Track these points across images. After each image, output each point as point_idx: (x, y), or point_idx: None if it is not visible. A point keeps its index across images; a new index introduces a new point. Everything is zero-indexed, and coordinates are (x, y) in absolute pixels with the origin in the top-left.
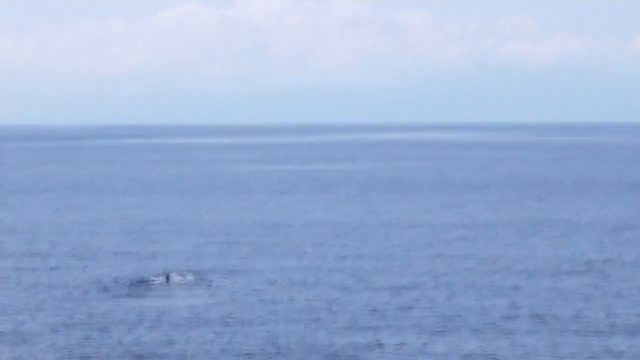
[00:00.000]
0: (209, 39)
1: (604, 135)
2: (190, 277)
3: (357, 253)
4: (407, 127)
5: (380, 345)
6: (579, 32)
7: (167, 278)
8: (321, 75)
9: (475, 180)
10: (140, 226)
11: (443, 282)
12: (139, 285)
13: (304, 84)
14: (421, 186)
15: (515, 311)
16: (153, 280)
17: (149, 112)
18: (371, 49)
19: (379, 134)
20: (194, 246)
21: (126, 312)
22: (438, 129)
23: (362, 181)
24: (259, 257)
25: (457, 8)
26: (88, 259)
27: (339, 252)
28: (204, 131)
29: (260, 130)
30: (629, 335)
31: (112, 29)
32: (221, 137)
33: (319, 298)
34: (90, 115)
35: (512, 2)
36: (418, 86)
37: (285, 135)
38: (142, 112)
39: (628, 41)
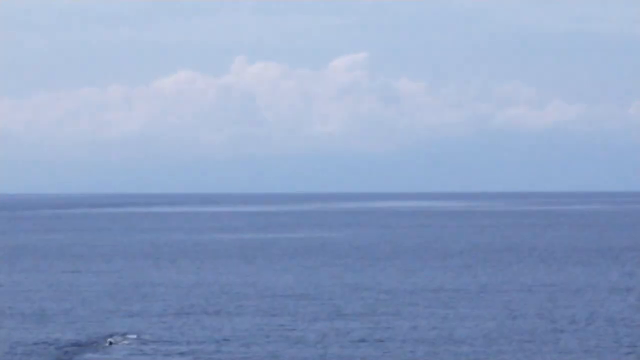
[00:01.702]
0: (205, 106)
1: (597, 204)
2: (131, 340)
3: (306, 315)
4: (404, 196)
5: None
6: (576, 98)
7: (110, 342)
8: (316, 142)
9: (438, 247)
10: (103, 291)
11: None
12: (82, 346)
13: (299, 151)
14: (389, 253)
15: None
16: (97, 343)
17: (145, 178)
18: (367, 116)
19: (374, 202)
20: (148, 311)
21: None
22: (434, 197)
23: (337, 249)
24: (210, 321)
25: (454, 75)
26: (38, 323)
27: (291, 315)
28: (196, 199)
29: (254, 199)
30: None
31: (111, 96)
32: (213, 206)
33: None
34: (88, 182)
35: (508, 69)
36: (415, 153)
37: (278, 204)
38: (139, 178)
39: (624, 107)
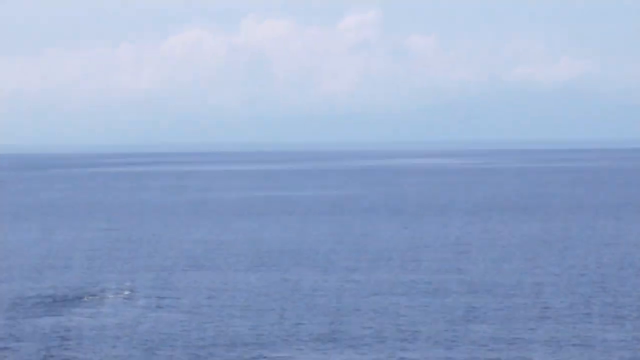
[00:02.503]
0: (215, 65)
1: (609, 160)
2: (126, 293)
3: (299, 272)
4: (412, 153)
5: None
6: (587, 53)
7: (105, 293)
8: (327, 99)
9: (442, 204)
10: (105, 246)
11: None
12: (74, 300)
13: (310, 108)
14: (388, 209)
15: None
16: (89, 295)
17: (156, 137)
18: (378, 73)
19: (383, 159)
20: (146, 267)
21: (53, 325)
22: (442, 155)
23: (340, 205)
24: (204, 276)
25: (465, 32)
26: (36, 277)
27: (292, 268)
28: (207, 157)
29: (264, 156)
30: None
31: (121, 55)
32: (224, 164)
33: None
34: (98, 141)
35: (518, 26)
36: (425, 110)
37: (288, 162)
38: (149, 137)
39: (636, 62)
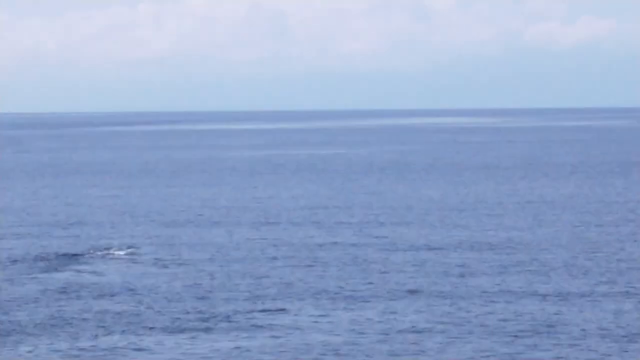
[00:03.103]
0: (235, 24)
1: (629, 120)
2: (129, 251)
3: (309, 231)
4: (433, 112)
5: (299, 313)
6: (607, 12)
7: (110, 251)
8: (347, 59)
9: (455, 163)
10: (115, 205)
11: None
12: (79, 257)
13: (330, 69)
14: (405, 169)
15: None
16: (91, 254)
17: (175, 96)
18: (398, 33)
19: (403, 118)
20: (152, 225)
21: (55, 282)
22: (462, 114)
23: (357, 165)
24: (208, 234)
25: None
26: (40, 235)
27: (296, 229)
28: (225, 117)
29: (281, 116)
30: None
31: (140, 14)
32: (240, 123)
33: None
34: (117, 101)
35: None
36: (445, 69)
37: (305, 121)
38: (169, 96)
39: None
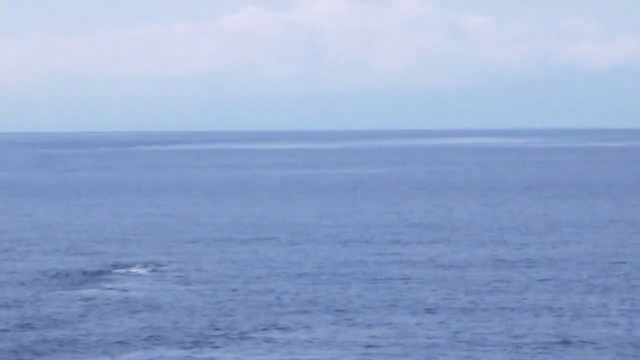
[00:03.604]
0: (270, 42)
1: None
2: (153, 268)
3: (335, 250)
4: (467, 132)
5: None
6: None
7: (135, 267)
8: (382, 78)
9: (501, 183)
10: (145, 223)
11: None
12: (105, 273)
13: (364, 88)
14: (427, 189)
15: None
16: (116, 271)
17: (210, 115)
18: (433, 52)
19: (437, 138)
20: (179, 242)
21: (79, 299)
22: (498, 134)
23: (387, 184)
24: (238, 251)
25: (521, 9)
26: (68, 253)
27: (323, 247)
28: (259, 136)
29: (315, 136)
30: None
31: (176, 33)
32: (274, 143)
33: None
34: (152, 120)
35: (574, 3)
36: (481, 89)
37: (339, 141)
38: (204, 115)
39: None
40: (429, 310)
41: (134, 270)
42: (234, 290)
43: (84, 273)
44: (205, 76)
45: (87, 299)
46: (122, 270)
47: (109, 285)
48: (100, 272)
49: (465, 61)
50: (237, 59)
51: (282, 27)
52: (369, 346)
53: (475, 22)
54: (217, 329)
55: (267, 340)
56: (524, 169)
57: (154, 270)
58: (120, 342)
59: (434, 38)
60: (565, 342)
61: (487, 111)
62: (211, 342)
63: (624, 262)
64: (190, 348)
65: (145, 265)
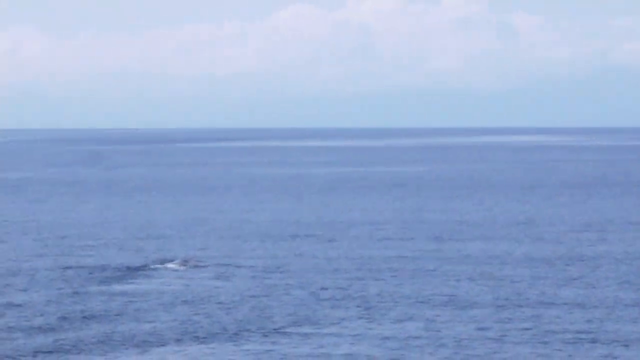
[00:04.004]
0: (320, 40)
1: None
2: (193, 263)
3: (371, 247)
4: (517, 130)
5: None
6: None
7: (168, 265)
8: (432, 77)
9: (546, 180)
10: (186, 219)
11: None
12: (142, 269)
13: (415, 86)
14: (470, 187)
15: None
16: (155, 266)
17: (260, 113)
18: (482, 51)
19: (487, 136)
20: (219, 239)
21: (118, 292)
22: (547, 132)
23: (431, 182)
24: (279, 247)
25: (571, 9)
26: (109, 249)
27: (364, 244)
28: (310, 134)
29: (366, 134)
30: None
31: (225, 31)
32: (324, 141)
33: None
34: (201, 117)
35: (625, 2)
36: (530, 88)
37: (389, 138)
38: (252, 113)
39: None
40: (462, 306)
41: (172, 265)
42: (270, 285)
43: (124, 268)
44: (253, 75)
45: (124, 294)
46: (161, 266)
47: (147, 281)
48: (139, 268)
49: (514, 60)
50: (285, 57)
51: (331, 25)
52: (400, 340)
53: (524, 21)
54: (251, 324)
55: (300, 335)
56: (572, 167)
57: (192, 266)
58: (155, 336)
59: (483, 37)
60: (594, 340)
61: (536, 110)
62: (245, 337)
63: None
64: (224, 343)
65: (184, 261)
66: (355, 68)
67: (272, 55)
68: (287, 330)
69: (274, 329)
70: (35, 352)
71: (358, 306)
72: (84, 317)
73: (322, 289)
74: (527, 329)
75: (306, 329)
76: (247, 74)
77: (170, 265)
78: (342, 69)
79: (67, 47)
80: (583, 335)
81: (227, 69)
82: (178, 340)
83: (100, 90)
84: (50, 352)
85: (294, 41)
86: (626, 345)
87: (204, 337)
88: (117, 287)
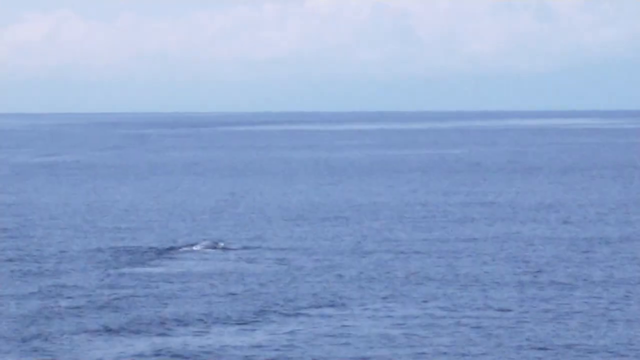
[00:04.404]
0: (359, 24)
1: None
2: (220, 245)
3: (396, 232)
4: (556, 114)
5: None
6: None
7: (194, 248)
8: (471, 60)
9: (574, 164)
10: (216, 202)
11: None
12: (168, 252)
13: (454, 70)
14: (492, 170)
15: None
16: (183, 249)
17: (299, 97)
18: (522, 34)
19: (526, 119)
20: (249, 221)
21: (143, 275)
22: (588, 115)
23: (464, 164)
24: (304, 232)
25: None
26: (135, 232)
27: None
28: (348, 118)
29: (405, 117)
30: None
31: (265, 14)
32: (362, 124)
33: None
34: (241, 101)
35: None
36: (570, 70)
37: (429, 121)
38: (291, 97)
39: None
40: (485, 287)
41: (198, 248)
42: (297, 267)
43: (153, 251)
44: (293, 58)
45: (151, 276)
46: (187, 249)
47: (175, 263)
48: (168, 250)
49: (554, 42)
50: (324, 40)
51: (371, 8)
52: (422, 321)
53: (564, 3)
54: (276, 305)
55: (322, 316)
56: (610, 150)
57: (219, 249)
58: (176, 319)
59: (523, 19)
60: (615, 320)
61: (576, 93)
62: (267, 318)
63: None
64: (248, 324)
65: (213, 243)
66: (395, 51)
67: (311, 38)
68: (312, 311)
69: (298, 310)
70: (62, 333)
71: (383, 287)
72: (111, 299)
73: (348, 270)
74: (548, 310)
75: (330, 310)
76: (286, 57)
77: (196, 247)
78: (381, 52)
79: (107, 30)
80: (604, 316)
81: (266, 52)
82: (201, 323)
83: (141, 74)
84: (74, 333)
85: (333, 24)
86: None
87: (228, 318)
88: (144, 270)
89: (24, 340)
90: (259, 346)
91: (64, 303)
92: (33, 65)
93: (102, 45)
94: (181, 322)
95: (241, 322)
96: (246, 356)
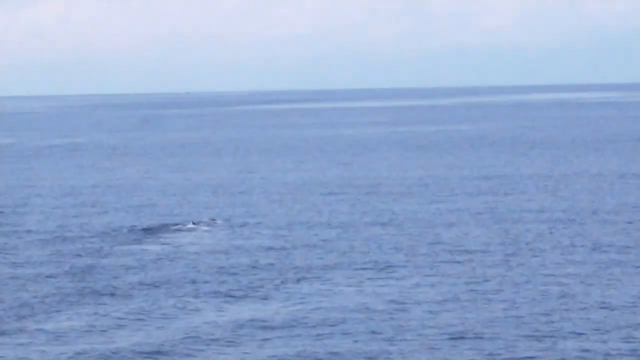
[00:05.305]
0: (374, 0)
1: None
2: (216, 224)
3: (393, 208)
4: (571, 88)
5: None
6: None
7: (193, 223)
8: (486, 35)
9: (580, 137)
10: (219, 181)
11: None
12: (165, 229)
13: (468, 44)
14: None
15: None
16: (179, 226)
17: (313, 74)
18: (536, 8)
19: (540, 94)
20: (248, 199)
21: (137, 251)
22: (602, 89)
23: (473, 140)
24: (302, 209)
25: None
26: (137, 210)
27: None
28: (361, 95)
29: (418, 93)
30: None
31: None
32: (375, 101)
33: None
34: (254, 80)
35: None
36: (584, 44)
37: (442, 97)
38: (307, 75)
39: None
40: (474, 262)
41: (192, 225)
42: (289, 242)
43: (148, 228)
44: (308, 36)
45: (149, 253)
46: (188, 226)
47: (173, 240)
48: (161, 227)
49: (566, 16)
50: (340, 17)
51: None
52: (410, 294)
53: None
54: (264, 280)
55: (300, 292)
56: (619, 123)
57: (215, 225)
58: (164, 292)
59: None
60: (605, 306)
61: (589, 66)
62: (246, 295)
63: None
64: (243, 298)
65: (210, 220)
66: (409, 27)
67: (326, 15)
68: (303, 285)
69: (287, 284)
70: (60, 301)
71: (374, 261)
72: (98, 273)
73: (338, 242)
74: (521, 283)
75: (310, 286)
76: (300, 35)
77: (190, 225)
78: (395, 28)
79: (120, 12)
80: (591, 302)
81: (280, 30)
82: (185, 296)
83: (154, 54)
84: (72, 302)
85: (349, 1)
86: None
87: (224, 293)
88: (142, 247)
89: (21, 307)
90: (250, 320)
91: (59, 274)
92: (47, 47)
93: (116, 26)
94: (167, 292)
95: (229, 296)
96: (233, 330)
